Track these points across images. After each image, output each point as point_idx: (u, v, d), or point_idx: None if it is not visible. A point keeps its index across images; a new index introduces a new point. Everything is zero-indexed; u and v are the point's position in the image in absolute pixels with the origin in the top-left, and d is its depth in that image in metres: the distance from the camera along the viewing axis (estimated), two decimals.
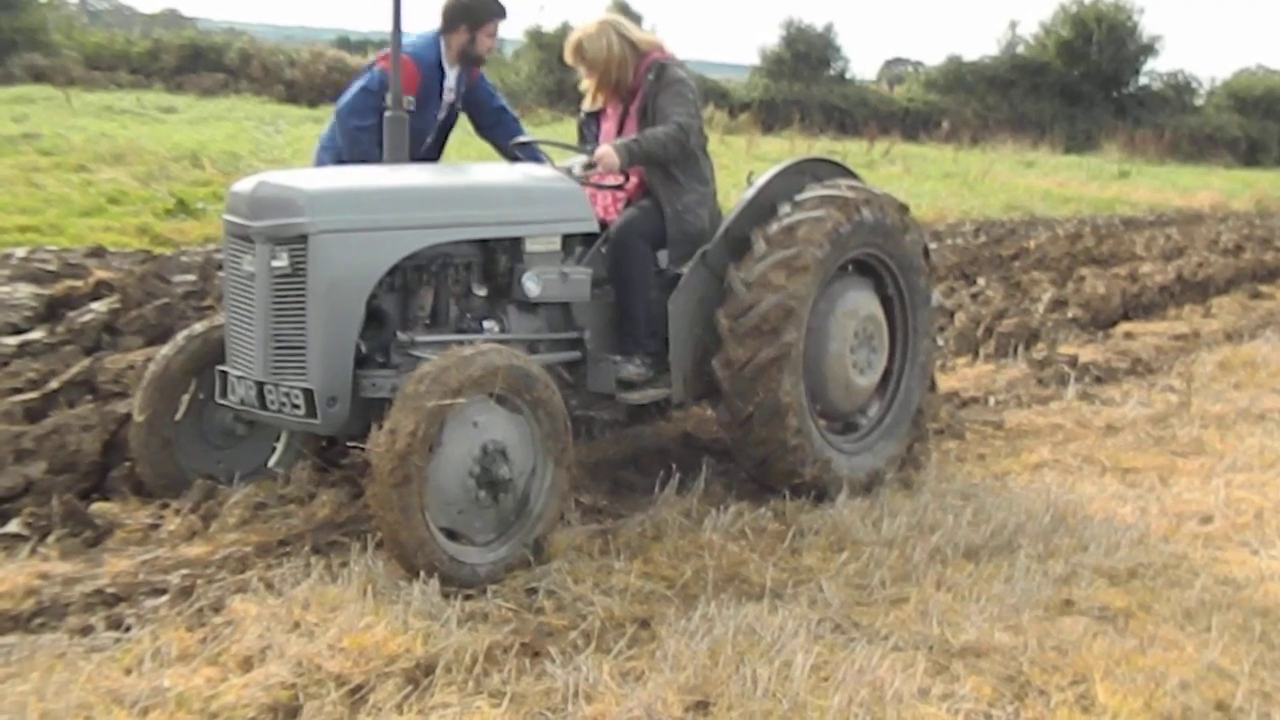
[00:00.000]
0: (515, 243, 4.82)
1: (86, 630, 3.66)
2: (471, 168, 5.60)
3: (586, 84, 5.45)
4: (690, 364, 5.15)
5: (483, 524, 4.22)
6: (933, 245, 13.72)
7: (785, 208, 5.24)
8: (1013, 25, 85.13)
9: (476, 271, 4.82)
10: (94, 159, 13.97)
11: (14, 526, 4.35)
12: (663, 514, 4.87)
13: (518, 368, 4.20)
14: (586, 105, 5.51)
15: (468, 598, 3.97)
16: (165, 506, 4.59)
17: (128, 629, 3.68)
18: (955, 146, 32.81)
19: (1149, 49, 45.83)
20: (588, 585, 4.17)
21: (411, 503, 3.90)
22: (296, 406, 4.27)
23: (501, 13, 5.84)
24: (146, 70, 33.02)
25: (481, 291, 4.84)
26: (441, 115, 5.91)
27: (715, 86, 41.76)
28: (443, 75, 5.83)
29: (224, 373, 4.52)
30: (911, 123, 39.73)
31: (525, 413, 4.27)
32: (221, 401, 4.57)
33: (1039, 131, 38.04)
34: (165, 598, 3.89)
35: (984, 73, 44.76)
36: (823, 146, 28.45)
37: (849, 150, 27.30)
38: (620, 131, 5.38)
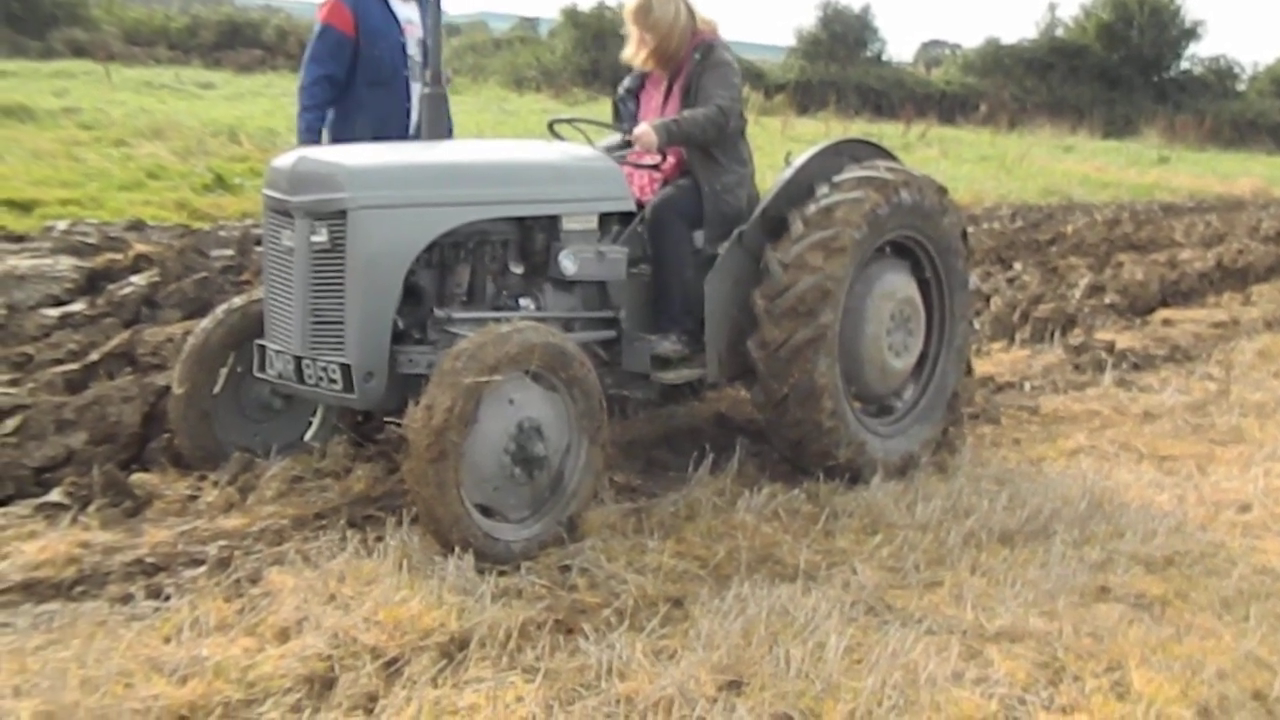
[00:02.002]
0: (552, 221, 4.82)
1: (126, 599, 3.70)
2: (509, 145, 5.62)
3: (635, 49, 5.35)
4: (725, 344, 5.14)
5: (517, 501, 4.24)
6: (969, 229, 13.69)
7: (823, 189, 5.21)
8: (1052, 8, 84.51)
9: (513, 249, 4.83)
10: (133, 134, 14.08)
11: (56, 496, 4.40)
12: (696, 494, 4.87)
13: (554, 345, 4.21)
14: (638, 64, 5.40)
15: (502, 574, 3.99)
16: (203, 478, 4.63)
17: (167, 598, 3.72)
18: (992, 130, 32.58)
19: (1191, 33, 45.33)
20: (621, 564, 4.17)
21: (447, 479, 3.92)
22: (334, 381, 4.29)
23: None
24: (185, 46, 33.32)
25: (518, 269, 4.85)
26: (413, 50, 5.88)
27: (751, 67, 41.60)
28: (387, 5, 5.83)
29: (262, 347, 4.55)
30: (948, 105, 39.46)
31: (561, 390, 4.28)
32: (259, 375, 4.60)
33: (1078, 116, 37.68)
34: (203, 568, 3.92)
35: (1022, 55, 44.38)
36: (858, 129, 28.29)
37: (885, 133, 27.15)
38: (664, 109, 5.34)
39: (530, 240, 4.83)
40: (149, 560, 3.97)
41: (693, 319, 5.10)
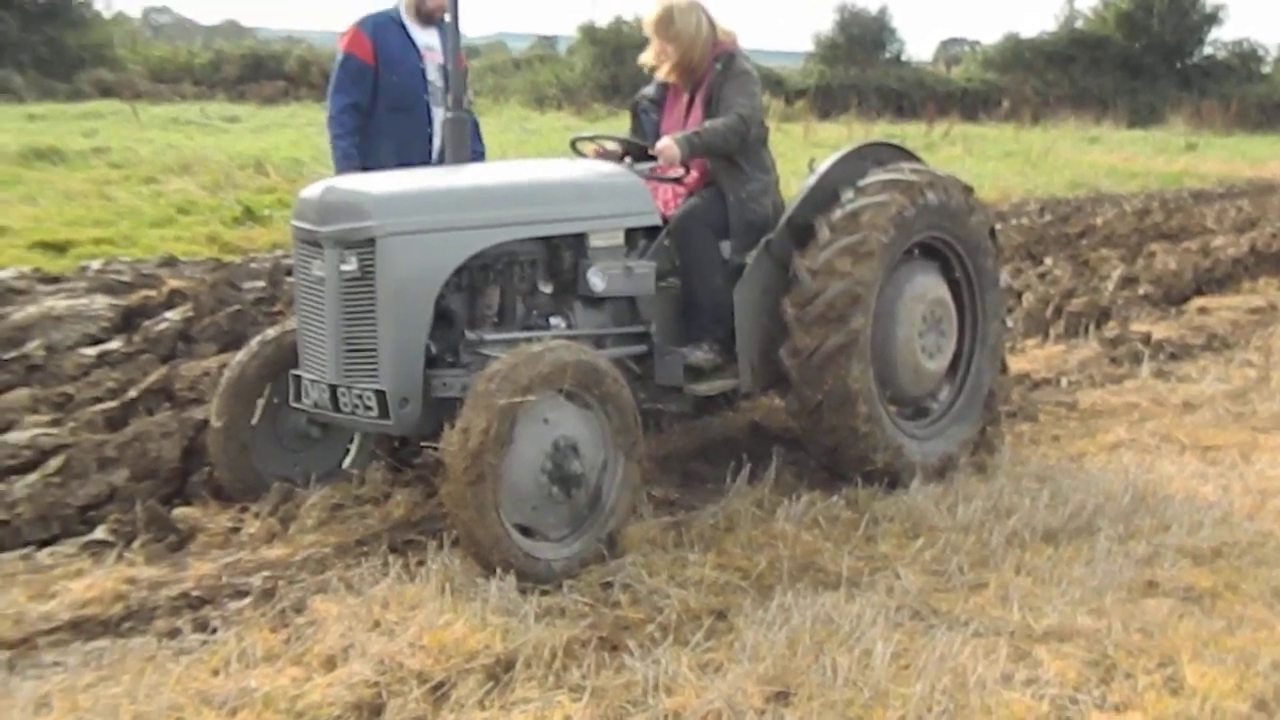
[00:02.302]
0: (579, 238, 4.83)
1: (174, 633, 3.73)
2: (533, 165, 5.63)
3: (657, 59, 5.36)
4: (757, 353, 5.13)
5: (556, 519, 4.24)
6: (998, 226, 13.60)
7: (848, 193, 5.20)
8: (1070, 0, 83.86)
9: (541, 268, 4.84)
10: (162, 170, 14.25)
11: (100, 533, 4.44)
12: (735, 505, 4.86)
13: (586, 363, 4.22)
14: (660, 75, 5.42)
15: (544, 593, 3.99)
16: (245, 510, 4.66)
17: (213, 631, 3.74)
18: (1016, 125, 32.40)
19: (1212, 18, 45.01)
20: (663, 578, 4.17)
21: (486, 500, 3.93)
22: (369, 408, 4.32)
23: None
24: (209, 81, 33.66)
25: (547, 288, 4.86)
26: (433, 76, 5.96)
27: (771, 74, 41.59)
28: (406, 32, 5.93)
29: (297, 376, 4.58)
30: (970, 103, 39.29)
31: (595, 407, 4.28)
32: (295, 405, 4.63)
33: (1101, 107, 37.45)
34: (248, 599, 3.95)
35: (1042, 49, 44.16)
36: (881, 130, 28.22)
37: (908, 133, 27.05)
38: (686, 120, 5.34)
39: (558, 259, 4.84)
40: (194, 594, 4.00)
41: (724, 328, 5.10)
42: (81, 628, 3.77)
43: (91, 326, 6.96)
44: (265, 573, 4.15)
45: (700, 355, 5.03)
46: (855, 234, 5.04)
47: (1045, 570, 4.33)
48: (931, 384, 5.55)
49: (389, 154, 5.75)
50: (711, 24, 5.30)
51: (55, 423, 5.40)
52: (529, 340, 4.40)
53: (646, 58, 5.43)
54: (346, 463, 5.04)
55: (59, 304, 7.21)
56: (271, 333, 4.92)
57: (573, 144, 5.57)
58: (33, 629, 3.73)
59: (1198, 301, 9.90)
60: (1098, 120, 35.03)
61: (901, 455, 5.21)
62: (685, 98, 5.41)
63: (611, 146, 5.43)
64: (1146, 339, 8.04)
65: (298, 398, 4.59)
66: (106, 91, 28.85)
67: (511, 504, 4.07)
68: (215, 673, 3.48)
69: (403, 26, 5.94)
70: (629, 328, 5.03)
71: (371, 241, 4.26)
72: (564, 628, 3.74)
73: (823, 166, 5.38)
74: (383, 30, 5.88)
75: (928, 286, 5.42)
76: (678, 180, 5.28)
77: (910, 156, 5.66)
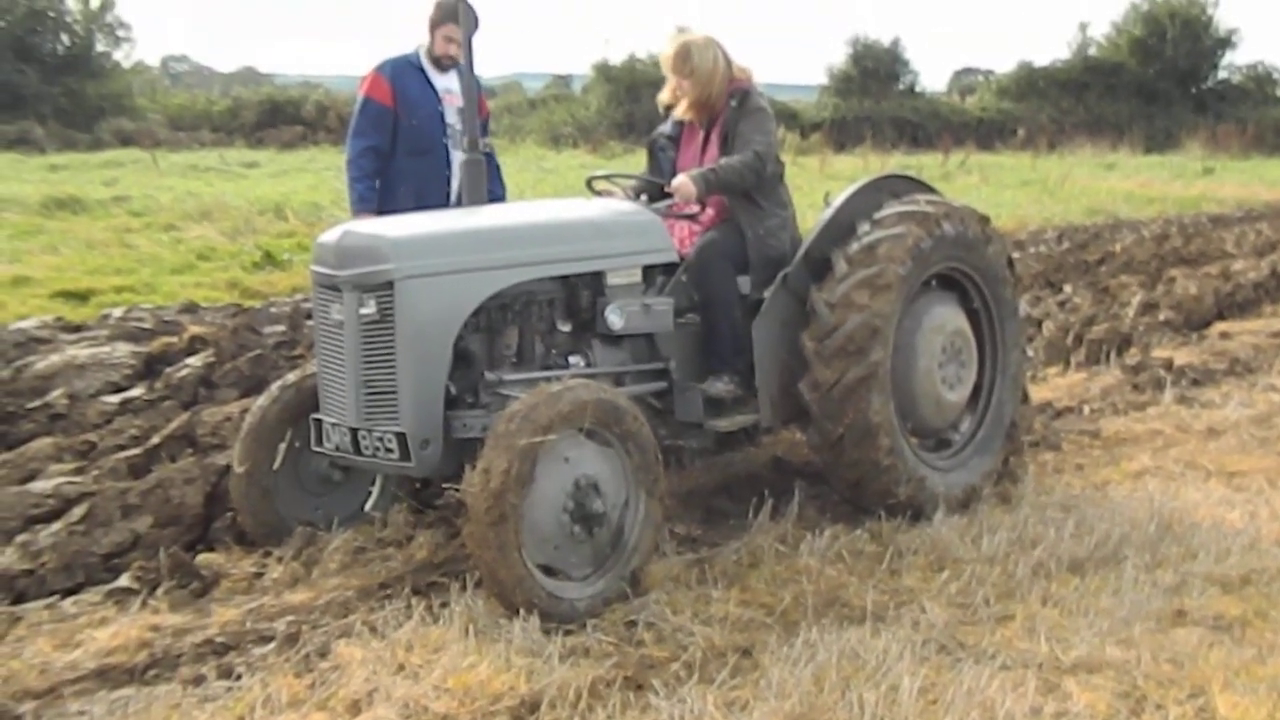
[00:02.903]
0: (596, 276, 4.84)
1: (199, 680, 3.72)
2: (549, 204, 5.66)
3: (673, 96, 5.39)
4: (777, 388, 5.13)
5: (579, 559, 4.23)
6: (1016, 254, 13.54)
7: (864, 226, 5.20)
8: (1083, 27, 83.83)
9: (560, 307, 4.84)
10: (182, 217, 14.38)
11: (125, 581, 4.45)
12: (758, 540, 4.84)
13: (606, 401, 4.22)
14: (677, 113, 5.46)
15: (568, 633, 3.97)
16: (268, 555, 4.67)
17: (238, 677, 3.73)
18: (1032, 153, 32.43)
19: (1226, 42, 45.06)
20: (687, 615, 4.15)
21: (508, 541, 3.92)
22: (390, 450, 4.32)
23: (453, 18, 5.84)
24: (228, 128, 34.04)
25: (565, 327, 4.87)
26: (452, 119, 6.05)
27: (785, 108, 41.77)
28: (425, 76, 6.02)
29: (319, 420, 4.59)
30: (986, 132, 39.37)
31: (615, 445, 4.28)
32: (317, 449, 4.64)
33: (1117, 133, 37.47)
34: (273, 645, 3.94)
35: (1057, 77, 44.27)
36: (896, 162, 28.29)
37: (924, 163, 27.09)
38: (702, 157, 5.37)
39: (576, 297, 4.85)
40: (219, 640, 3.99)
41: (743, 361, 5.09)
42: (107, 676, 3.76)
43: (114, 374, 7.00)
44: (289, 618, 4.15)
45: (721, 387, 5.02)
46: (872, 266, 5.04)
47: (1072, 601, 4.30)
48: (953, 415, 5.54)
49: (408, 197, 5.81)
50: (728, 61, 5.32)
51: (79, 471, 5.43)
52: (548, 380, 4.40)
53: (664, 95, 5.47)
54: (369, 505, 5.05)
55: (81, 352, 7.27)
56: (292, 377, 4.94)
57: (589, 183, 5.60)
58: (58, 678, 3.73)
59: (1219, 326, 9.85)
60: (1114, 146, 35.03)
61: (924, 487, 5.18)
62: (701, 135, 5.43)
63: (626, 185, 5.46)
64: (1168, 365, 8.00)
65: (319, 441, 4.60)
66: (126, 140, 29.22)
67: (534, 544, 4.06)
68: (240, 719, 3.47)
69: (422, 71, 6.01)
70: (648, 365, 5.03)
71: (390, 284, 4.28)
72: (589, 668, 3.72)
73: (838, 200, 5.39)
74: (402, 75, 5.96)
75: (946, 318, 5.41)
76: (693, 217, 5.30)
77: (926, 188, 5.67)
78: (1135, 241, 14.83)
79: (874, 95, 42.63)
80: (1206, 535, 4.95)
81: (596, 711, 3.50)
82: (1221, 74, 45.42)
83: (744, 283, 5.21)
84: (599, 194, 5.51)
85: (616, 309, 4.80)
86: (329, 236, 4.53)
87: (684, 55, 5.26)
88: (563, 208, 5.31)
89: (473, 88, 5.17)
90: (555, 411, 4.04)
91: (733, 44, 5.39)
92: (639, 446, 4.31)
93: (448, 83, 6.04)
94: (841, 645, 3.85)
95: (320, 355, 4.60)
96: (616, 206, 5.17)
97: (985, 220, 5.57)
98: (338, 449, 4.51)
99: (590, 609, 4.14)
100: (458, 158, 5.91)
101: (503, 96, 45.28)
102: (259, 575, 4.54)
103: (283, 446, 4.80)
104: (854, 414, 4.97)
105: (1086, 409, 7.19)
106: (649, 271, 5.01)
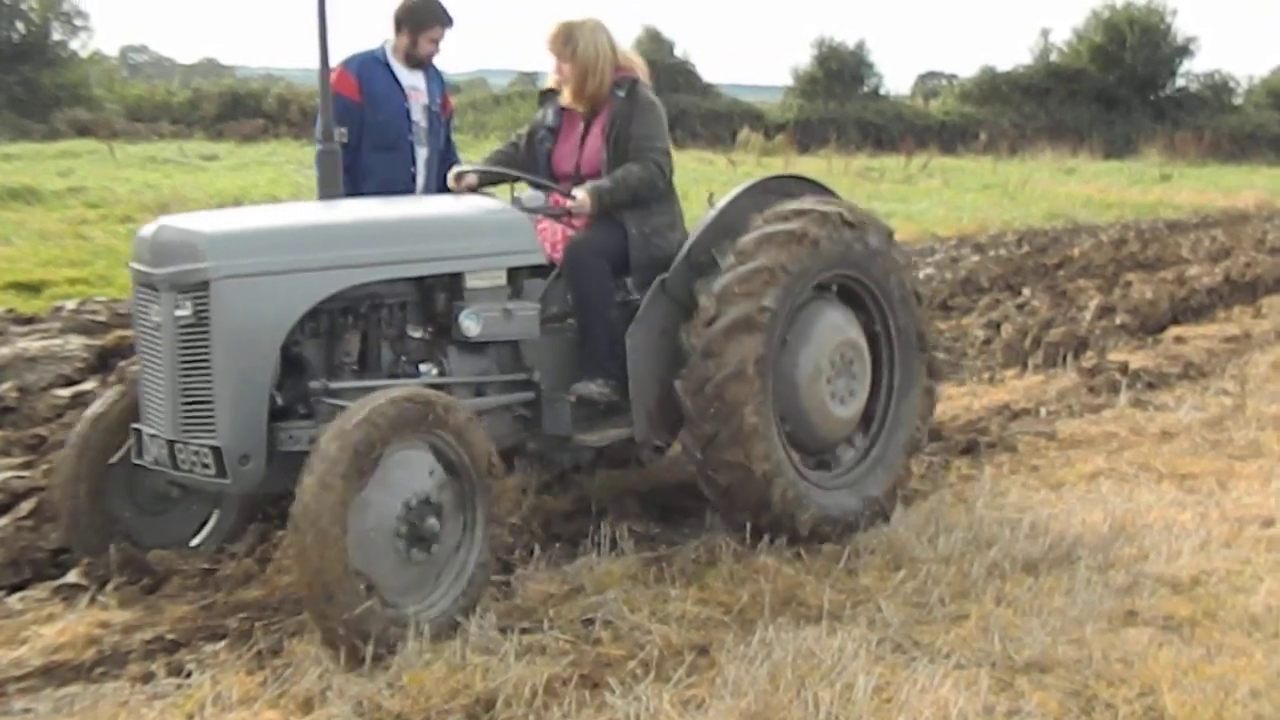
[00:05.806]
0: (455, 279, 4.49)
1: (148, 677, 3.67)
2: (405, 200, 5.31)
3: (558, 81, 5.12)
4: (653, 399, 4.79)
5: (411, 577, 3.91)
6: (975, 257, 13.74)
7: (755, 221, 4.88)
8: (1045, 33, 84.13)
9: (412, 311, 4.49)
10: (139, 209, 14.20)
11: (73, 576, 4.38)
12: (716, 539, 4.84)
13: (435, 404, 3.89)
14: (561, 100, 5.16)
15: (524, 631, 3.96)
16: (221, 551, 4.61)
17: (188, 675, 3.69)
18: (994, 157, 32.72)
19: (1184, 50, 45.61)
20: (644, 614, 4.14)
21: (335, 560, 3.61)
22: (206, 466, 3.97)
23: (445, 20, 5.90)
24: (187, 119, 33.65)
25: (417, 333, 4.50)
26: (418, 116, 5.98)
27: (750, 109, 41.88)
28: (392, 72, 5.94)
29: (138, 430, 4.23)
30: (948, 135, 39.66)
31: (450, 453, 3.97)
32: (138, 461, 4.26)
33: (1077, 138, 37.86)
34: (224, 642, 3.90)
35: (1019, 82, 44.63)
36: (860, 163, 28.44)
37: (887, 166, 27.27)
38: (582, 149, 5.08)
39: (430, 301, 4.51)
40: (169, 637, 3.95)
41: (620, 366, 4.75)
42: (53, 673, 3.71)
43: (66, 367, 6.92)
44: (242, 614, 4.11)
45: (594, 389, 4.70)
46: (757, 260, 4.74)
47: (1026, 601, 4.33)
48: (840, 432, 5.18)
49: (372, 192, 5.75)
50: (613, 47, 5.03)
51: (27, 465, 5.37)
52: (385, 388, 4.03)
53: (549, 79, 5.21)
54: (209, 527, 4.69)
55: (33, 345, 7.18)
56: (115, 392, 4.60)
57: (457, 177, 5.29)
58: (3, 675, 3.68)
59: (1174, 331, 9.96)
60: (1074, 152, 35.40)
61: (801, 504, 4.82)
62: (581, 126, 5.14)
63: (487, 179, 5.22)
64: (1124, 368, 8.08)
65: (139, 454, 4.24)
66: (83, 131, 28.79)
67: (365, 561, 3.73)
68: (190, 717, 3.43)
69: (388, 66, 5.96)
70: (512, 375, 4.69)
71: (205, 285, 3.91)
72: (544, 666, 3.71)
73: (724, 201, 5.08)
74: (368, 70, 5.90)
75: (840, 326, 5.09)
76: (566, 213, 4.93)
77: (822, 190, 5.35)
78: (1093, 246, 14.98)
79: (838, 97, 42.81)
80: (1158, 536, 5.00)
81: (552, 710, 3.49)
82: (1180, 82, 46.00)
83: (627, 285, 4.94)
84: (474, 190, 5.22)
85: (473, 314, 4.45)
86: (146, 231, 4.17)
87: (565, 36, 4.98)
88: (419, 204, 5.09)
89: (326, 75, 4.87)
90: (383, 418, 3.73)
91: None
92: (472, 456, 3.99)
93: (414, 80, 6.01)
94: (798, 644, 3.86)
95: (141, 360, 4.23)
96: (479, 204, 4.85)
97: (889, 234, 5.25)
98: (156, 462, 4.15)
99: (434, 629, 3.84)
100: (422, 154, 5.95)
101: (467, 92, 45.08)
102: (211, 572, 4.48)
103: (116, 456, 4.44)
104: (729, 410, 4.63)
105: (1043, 411, 7.25)
106: (515, 274, 4.68)
